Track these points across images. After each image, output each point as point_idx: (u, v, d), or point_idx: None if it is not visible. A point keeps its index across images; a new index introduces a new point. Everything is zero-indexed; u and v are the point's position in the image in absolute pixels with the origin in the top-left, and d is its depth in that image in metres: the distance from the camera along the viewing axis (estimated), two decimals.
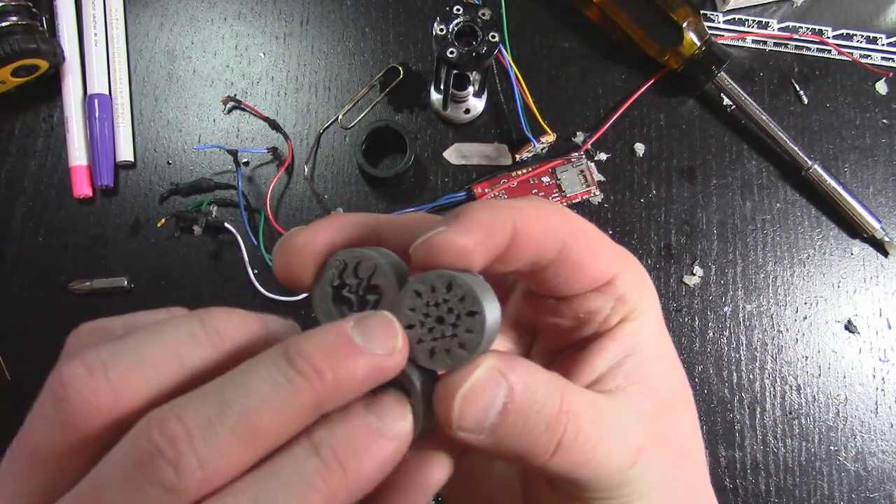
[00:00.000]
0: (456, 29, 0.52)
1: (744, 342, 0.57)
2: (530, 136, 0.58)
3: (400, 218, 0.23)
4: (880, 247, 0.59)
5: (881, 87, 0.61)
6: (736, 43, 0.62)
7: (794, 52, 0.62)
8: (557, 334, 0.25)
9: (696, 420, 0.25)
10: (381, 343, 0.19)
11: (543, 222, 0.21)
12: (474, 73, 0.56)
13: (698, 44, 0.58)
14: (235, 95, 0.60)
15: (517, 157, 0.59)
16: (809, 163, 0.58)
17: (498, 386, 0.19)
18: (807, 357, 0.57)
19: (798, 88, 0.61)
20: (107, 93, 0.59)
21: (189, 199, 0.58)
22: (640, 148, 0.60)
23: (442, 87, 0.56)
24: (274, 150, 0.59)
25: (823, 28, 0.63)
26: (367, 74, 0.61)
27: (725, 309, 0.57)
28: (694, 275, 0.58)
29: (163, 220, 0.56)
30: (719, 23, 0.63)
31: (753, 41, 0.63)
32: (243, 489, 0.18)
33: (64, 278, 0.56)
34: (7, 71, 0.55)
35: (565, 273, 0.22)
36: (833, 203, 0.58)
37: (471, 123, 0.60)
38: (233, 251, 0.57)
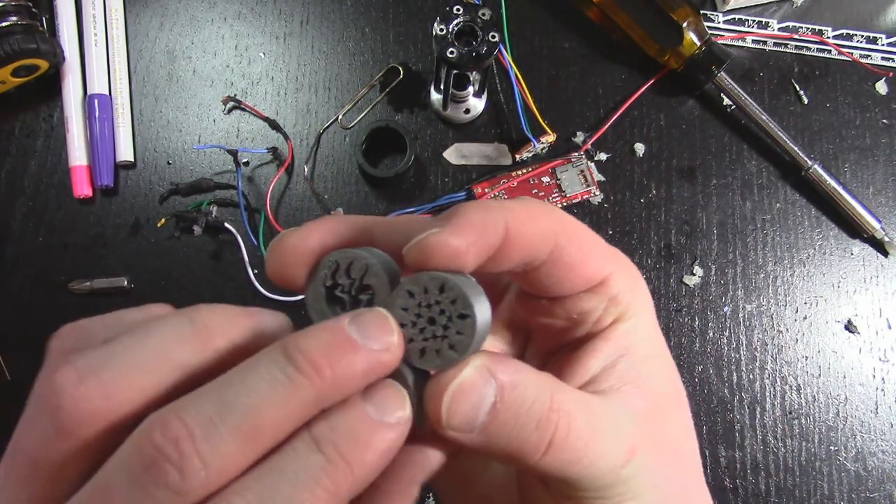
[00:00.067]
0: (456, 29, 0.52)
1: (744, 342, 0.57)
2: (530, 136, 0.58)
3: (393, 219, 0.23)
4: (880, 247, 0.59)
5: (881, 87, 0.61)
6: (736, 43, 0.62)
7: (794, 52, 0.62)
8: (551, 335, 0.25)
9: (690, 420, 0.25)
10: (377, 339, 0.19)
11: (536, 223, 0.21)
12: (474, 73, 0.56)
13: (698, 44, 0.58)
14: (235, 95, 0.60)
15: (517, 157, 0.59)
16: (809, 163, 0.58)
17: (487, 384, 0.19)
18: (807, 357, 0.57)
19: (798, 88, 0.61)
20: (107, 93, 0.59)
21: (189, 199, 0.58)
22: (640, 148, 0.60)
23: (442, 87, 0.56)
24: (274, 150, 0.59)
25: (823, 28, 0.63)
26: (367, 74, 0.61)
27: (725, 309, 0.57)
28: (694, 275, 0.58)
29: (163, 220, 0.56)
30: (719, 23, 0.63)
31: (753, 41, 0.63)
32: (249, 488, 0.18)
33: (64, 278, 0.56)
34: (7, 71, 0.55)
35: (558, 273, 0.22)
36: (833, 203, 0.58)
37: (471, 123, 0.60)
38: (233, 251, 0.57)
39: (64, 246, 0.57)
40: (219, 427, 0.17)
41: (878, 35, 0.63)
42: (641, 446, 0.21)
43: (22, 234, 0.57)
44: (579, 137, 0.60)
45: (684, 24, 0.58)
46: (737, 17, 0.63)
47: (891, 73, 0.61)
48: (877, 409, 0.56)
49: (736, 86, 0.59)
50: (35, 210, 0.57)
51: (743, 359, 0.56)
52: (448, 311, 0.20)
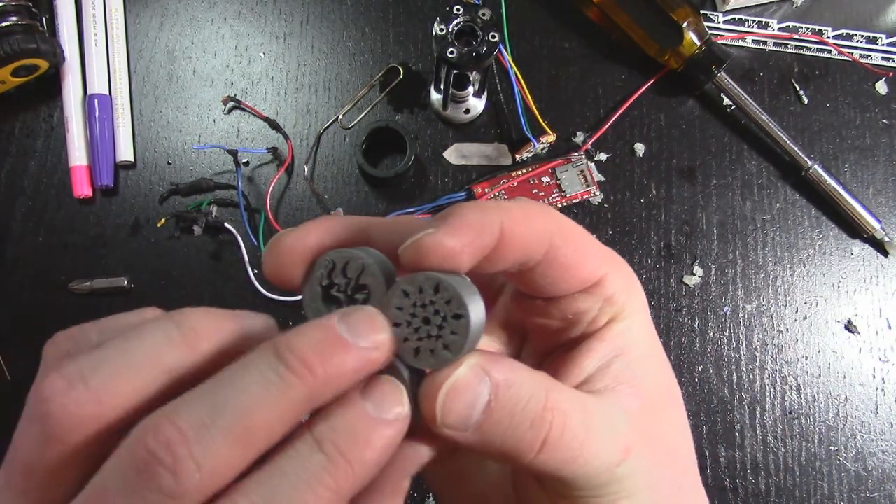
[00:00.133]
0: (456, 29, 0.52)
1: (744, 342, 0.57)
2: (530, 136, 0.58)
3: (389, 220, 0.23)
4: (880, 247, 0.59)
5: (881, 87, 0.61)
6: (736, 43, 0.62)
7: (794, 52, 0.62)
8: (546, 335, 0.26)
9: (685, 420, 0.25)
10: (366, 337, 0.19)
11: (531, 223, 0.21)
12: (474, 73, 0.56)
13: (698, 44, 0.58)
14: (235, 95, 0.60)
15: (517, 157, 0.59)
16: (809, 163, 0.58)
17: (481, 383, 0.20)
18: (807, 357, 0.57)
19: (798, 88, 0.61)
20: (107, 93, 0.59)
21: (189, 199, 0.58)
22: (640, 148, 0.60)
23: (442, 87, 0.56)
24: (274, 150, 0.59)
25: (823, 28, 0.63)
26: (367, 74, 0.61)
27: (725, 309, 0.57)
28: (694, 275, 0.58)
29: (163, 220, 0.56)
30: (719, 23, 0.63)
31: (753, 41, 0.63)
32: (252, 490, 0.18)
33: (64, 278, 0.56)
34: (7, 71, 0.55)
35: (553, 274, 0.22)
36: (833, 203, 0.58)
37: (471, 123, 0.60)
38: (233, 251, 0.57)
39: (64, 246, 0.57)
40: (211, 429, 0.17)
41: (878, 35, 0.63)
42: (636, 445, 0.22)
43: (22, 234, 0.57)
44: (579, 137, 0.60)
45: (684, 24, 0.58)
46: (737, 17, 0.63)
47: (891, 73, 0.61)
48: (877, 409, 0.56)
49: (736, 86, 0.59)
50: (35, 210, 0.57)
51: (743, 359, 0.56)
52: (443, 311, 0.20)
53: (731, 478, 0.54)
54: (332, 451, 0.18)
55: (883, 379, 0.57)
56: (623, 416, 0.22)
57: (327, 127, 0.60)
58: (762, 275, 0.58)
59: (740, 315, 0.57)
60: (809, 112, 0.61)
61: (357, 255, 0.21)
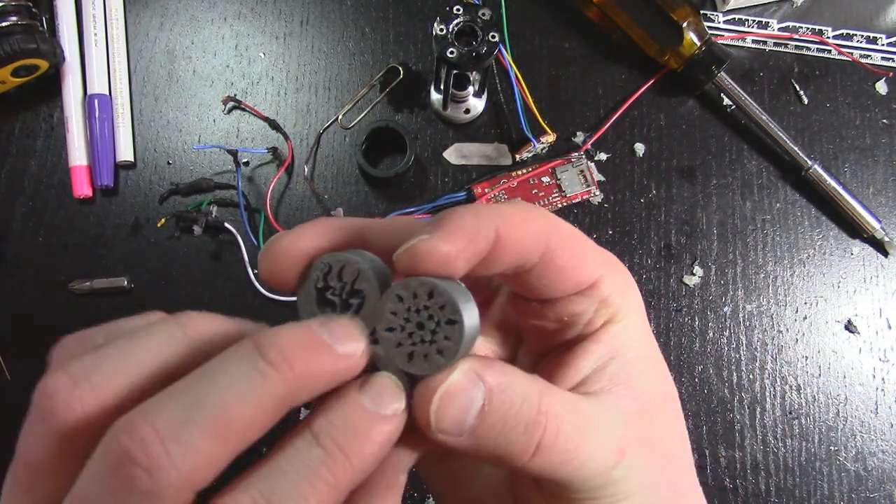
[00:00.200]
0: (456, 29, 0.52)
1: (744, 342, 0.57)
2: (530, 136, 0.58)
3: (385, 222, 0.23)
4: (880, 247, 0.59)
5: (881, 87, 0.61)
6: (736, 43, 0.62)
7: (794, 52, 0.62)
8: (542, 337, 0.26)
9: (682, 421, 0.25)
10: (344, 344, 0.19)
11: (527, 226, 0.21)
12: (474, 73, 0.56)
13: (698, 44, 0.58)
14: (235, 95, 0.60)
15: (517, 157, 0.59)
16: (809, 163, 0.58)
17: (475, 388, 0.20)
18: (807, 357, 0.57)
19: (798, 88, 0.61)
20: (107, 93, 0.59)
21: (189, 199, 0.58)
22: (640, 148, 0.60)
23: (442, 87, 0.56)
24: (274, 150, 0.59)
25: (823, 28, 0.63)
26: (367, 74, 0.61)
27: (725, 309, 0.57)
28: (694, 275, 0.58)
29: (163, 220, 0.56)
30: (719, 23, 0.63)
31: (753, 41, 0.63)
32: (251, 485, 0.18)
33: (64, 278, 0.56)
34: (7, 71, 0.55)
35: (549, 276, 0.22)
36: (833, 203, 0.58)
37: (471, 123, 0.60)
38: (233, 251, 0.57)
39: (64, 246, 0.57)
40: (188, 425, 0.17)
41: (878, 35, 0.63)
42: (632, 447, 0.22)
43: (22, 234, 0.57)
44: (579, 137, 0.60)
45: (684, 24, 0.58)
46: (737, 17, 0.63)
47: (891, 73, 0.61)
48: (877, 409, 0.56)
49: (736, 86, 0.59)
50: (35, 210, 0.57)
51: (743, 359, 0.56)
52: (436, 317, 0.20)
53: (731, 478, 0.54)
54: (330, 446, 0.18)
55: (883, 379, 0.57)
56: (618, 417, 0.22)
57: (327, 127, 0.60)
58: (762, 275, 0.58)
59: (740, 315, 0.57)
60: (809, 112, 0.61)
61: (352, 259, 0.21)
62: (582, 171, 0.59)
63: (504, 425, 0.20)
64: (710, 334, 0.57)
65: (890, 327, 0.57)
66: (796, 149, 0.58)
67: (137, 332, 0.20)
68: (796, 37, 0.62)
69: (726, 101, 0.60)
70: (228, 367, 0.18)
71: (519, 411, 0.20)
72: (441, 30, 0.52)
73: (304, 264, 0.21)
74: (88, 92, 0.59)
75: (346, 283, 0.21)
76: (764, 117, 0.58)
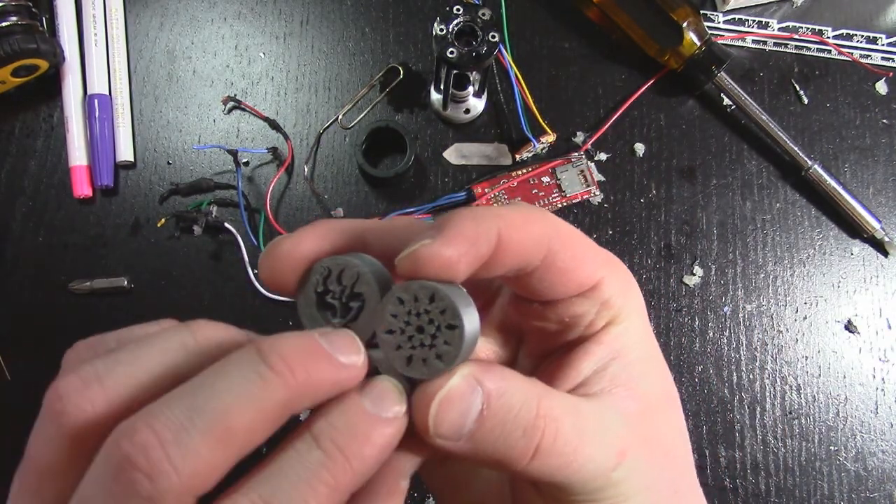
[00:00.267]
0: (456, 29, 0.52)
1: (744, 342, 0.57)
2: (530, 136, 0.58)
3: (385, 224, 0.23)
4: (880, 247, 0.59)
5: (881, 87, 0.61)
6: (736, 43, 0.62)
7: (794, 52, 0.62)
8: (543, 338, 0.25)
9: (683, 421, 0.25)
10: (345, 355, 0.19)
11: (528, 229, 0.21)
12: (474, 73, 0.56)
13: (698, 44, 0.58)
14: (235, 95, 0.60)
15: (517, 157, 0.59)
16: (809, 163, 0.58)
17: (473, 393, 0.20)
18: (807, 357, 0.57)
19: (798, 88, 0.61)
20: (107, 93, 0.59)
21: (189, 199, 0.58)
22: (640, 148, 0.60)
23: (442, 87, 0.56)
24: (274, 150, 0.59)
25: (823, 28, 0.63)
26: (367, 74, 0.61)
27: (725, 309, 0.57)
28: (694, 275, 0.58)
29: (163, 220, 0.56)
30: (719, 23, 0.63)
31: (753, 41, 0.63)
32: (251, 489, 0.18)
33: (64, 278, 0.56)
34: (7, 71, 0.55)
35: (550, 278, 0.22)
36: (833, 203, 0.58)
37: (471, 123, 0.60)
38: (233, 251, 0.57)
39: (64, 246, 0.57)
40: (189, 430, 0.17)
41: (878, 35, 0.63)
42: (632, 448, 0.22)
43: (22, 234, 0.57)
44: (579, 137, 0.60)
45: (684, 24, 0.58)
46: (737, 17, 0.63)
47: (891, 73, 0.61)
48: (877, 409, 0.56)
49: (736, 86, 0.59)
50: (35, 210, 0.57)
51: (743, 359, 0.56)
52: (437, 321, 0.20)
53: (731, 478, 0.54)
54: (330, 448, 0.18)
55: (883, 379, 0.57)
56: (618, 419, 0.22)
57: (327, 127, 0.60)
58: (762, 275, 0.58)
59: (740, 315, 0.57)
60: (809, 112, 0.61)
61: (352, 263, 0.21)
62: (582, 171, 0.59)
63: (502, 430, 0.20)
64: (710, 334, 0.57)
65: (890, 327, 0.57)
66: (796, 149, 0.58)
67: (148, 338, 0.20)
68: (796, 37, 0.62)
69: (726, 101, 0.60)
70: (230, 371, 0.18)
71: (517, 415, 0.20)
72: (441, 30, 0.52)
73: (305, 268, 0.21)
74: (88, 92, 0.59)
75: (345, 287, 0.21)
76: (764, 117, 0.58)
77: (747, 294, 0.58)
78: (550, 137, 0.59)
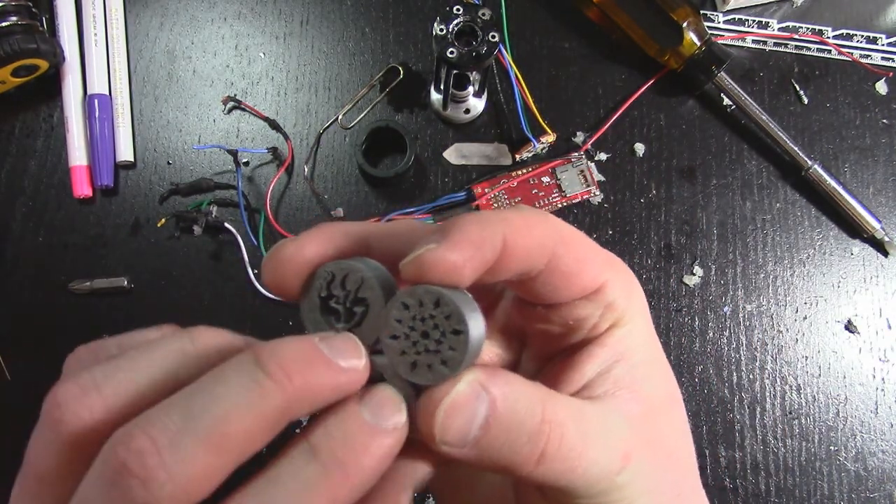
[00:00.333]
0: (456, 29, 0.52)
1: (744, 342, 0.57)
2: (530, 136, 0.58)
3: (389, 227, 0.23)
4: (880, 247, 0.59)
5: (881, 87, 0.61)
6: (736, 43, 0.62)
7: (794, 52, 0.62)
8: (547, 341, 0.25)
9: (686, 423, 0.25)
10: (345, 359, 0.19)
11: (533, 233, 0.21)
12: (474, 73, 0.56)
13: (698, 44, 0.58)
14: (235, 95, 0.60)
15: (517, 157, 0.59)
16: (809, 163, 0.58)
17: (479, 399, 0.19)
18: (807, 357, 0.57)
19: (798, 88, 0.61)
20: (107, 93, 0.59)
21: (189, 199, 0.58)
22: (640, 148, 0.60)
23: (442, 87, 0.56)
24: (274, 150, 0.59)
25: (823, 28, 0.63)
26: (367, 74, 0.61)
27: (725, 309, 0.57)
28: (694, 275, 0.58)
29: (163, 220, 0.56)
30: (719, 23, 0.63)
31: (753, 41, 0.63)
32: (246, 499, 0.18)
33: (64, 278, 0.56)
34: (7, 71, 0.55)
35: (555, 282, 0.22)
36: (833, 203, 0.58)
37: (471, 123, 0.60)
38: (233, 251, 0.57)
39: (64, 246, 0.57)
40: (185, 437, 0.17)
41: (878, 35, 0.63)
42: (636, 451, 0.21)
43: (22, 234, 0.57)
44: (579, 137, 0.60)
45: (684, 24, 0.58)
46: (737, 17, 0.63)
47: (891, 73, 0.61)
48: (877, 409, 0.56)
49: (736, 86, 0.59)
50: (35, 210, 0.57)
51: (743, 359, 0.56)
52: (442, 326, 0.20)
53: (731, 478, 0.54)
54: (327, 459, 0.18)
55: (883, 379, 0.57)
56: (622, 422, 0.22)
57: (327, 127, 0.60)
58: (762, 275, 0.58)
59: (740, 315, 0.57)
60: (809, 112, 0.61)
61: (356, 268, 0.21)
62: (582, 171, 0.59)
63: (508, 436, 0.19)
64: (710, 334, 0.57)
65: (890, 327, 0.57)
66: (796, 149, 0.58)
67: (148, 344, 0.20)
68: (796, 37, 0.62)
69: (726, 101, 0.60)
70: (228, 377, 0.18)
71: (522, 421, 0.20)
72: (441, 30, 0.51)
73: (308, 273, 0.21)
74: (88, 92, 0.59)
75: (349, 292, 0.21)
76: (764, 117, 0.58)
77: (747, 294, 0.58)
78: (550, 137, 0.59)
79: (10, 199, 0.57)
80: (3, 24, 0.54)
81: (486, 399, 0.19)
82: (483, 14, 0.52)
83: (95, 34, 0.60)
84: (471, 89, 0.57)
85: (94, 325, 0.55)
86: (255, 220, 0.57)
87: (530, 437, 0.20)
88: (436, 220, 0.58)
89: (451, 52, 0.51)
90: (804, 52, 0.62)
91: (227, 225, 0.56)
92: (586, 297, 0.23)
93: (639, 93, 0.60)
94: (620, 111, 0.60)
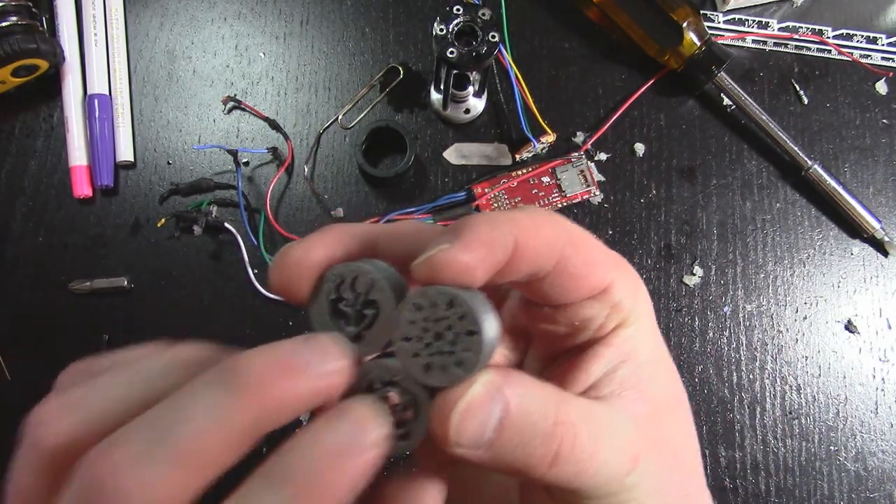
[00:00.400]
0: (456, 29, 0.52)
1: (744, 342, 0.57)
2: (530, 136, 0.58)
3: (396, 228, 0.23)
4: (880, 247, 0.59)
5: (881, 87, 0.61)
6: (736, 43, 0.62)
7: (794, 52, 0.62)
8: (552, 341, 0.25)
9: (692, 423, 0.25)
10: (322, 363, 0.18)
11: (542, 234, 0.21)
12: (474, 73, 0.55)
13: (698, 44, 0.58)
14: (235, 95, 0.60)
15: (517, 157, 0.59)
16: (809, 163, 0.58)
17: (494, 402, 0.19)
18: (807, 357, 0.57)
19: (798, 88, 0.61)
20: (107, 93, 0.59)
21: (189, 199, 0.58)
22: (640, 148, 0.60)
23: (442, 87, 0.56)
24: (274, 150, 0.59)
25: (823, 28, 0.63)
26: (367, 74, 0.61)
27: (725, 309, 0.57)
28: (694, 275, 0.58)
29: (163, 220, 0.56)
30: (719, 23, 0.63)
31: (753, 41, 0.63)
32: None
33: (64, 278, 0.56)
34: (7, 71, 0.55)
35: (563, 283, 0.22)
36: (833, 203, 0.58)
37: (471, 123, 0.60)
38: (233, 251, 0.57)
39: (64, 246, 0.57)
40: (155, 455, 0.17)
41: (878, 35, 0.63)
42: (644, 452, 0.21)
43: (22, 234, 0.57)
44: (579, 137, 0.60)
45: (684, 24, 0.58)
46: (737, 17, 0.63)
47: (891, 73, 0.61)
48: (877, 409, 0.56)
49: (736, 86, 0.59)
50: (35, 210, 0.57)
51: (743, 359, 0.56)
52: (455, 327, 0.19)
53: (731, 478, 0.54)
54: (289, 488, 0.17)
55: (883, 379, 0.57)
56: (630, 422, 0.22)
57: (327, 127, 0.60)
58: (762, 275, 0.58)
59: (740, 315, 0.57)
60: (809, 112, 0.61)
61: (366, 270, 0.20)
62: (582, 171, 0.59)
63: (522, 438, 0.19)
64: (710, 334, 0.57)
65: (890, 327, 0.57)
66: (796, 149, 0.58)
67: (131, 362, 0.20)
68: (796, 37, 0.62)
69: (726, 101, 0.60)
70: (197, 392, 0.17)
71: (536, 423, 0.19)
72: (441, 30, 0.51)
73: (317, 276, 0.21)
74: (88, 92, 0.59)
75: (359, 294, 0.20)
76: (764, 117, 0.58)
77: (747, 294, 0.58)
78: (550, 137, 0.59)
79: (10, 199, 0.57)
80: (3, 24, 0.54)
81: (501, 401, 0.19)
82: (483, 14, 0.52)
83: (95, 34, 0.60)
84: (471, 89, 0.57)
85: (94, 325, 0.55)
86: (255, 220, 0.57)
87: (544, 438, 0.19)
88: (436, 220, 0.58)
89: (451, 52, 0.51)
90: (804, 52, 0.62)
91: (227, 225, 0.56)
92: (593, 298, 0.23)
93: (639, 93, 0.60)
94: (620, 111, 0.60)
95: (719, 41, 0.61)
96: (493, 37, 0.52)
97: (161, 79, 0.60)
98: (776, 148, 0.60)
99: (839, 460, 0.55)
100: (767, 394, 0.56)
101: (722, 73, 0.58)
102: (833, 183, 0.58)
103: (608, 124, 0.60)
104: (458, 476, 0.26)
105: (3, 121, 0.59)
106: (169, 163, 0.59)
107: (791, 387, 0.56)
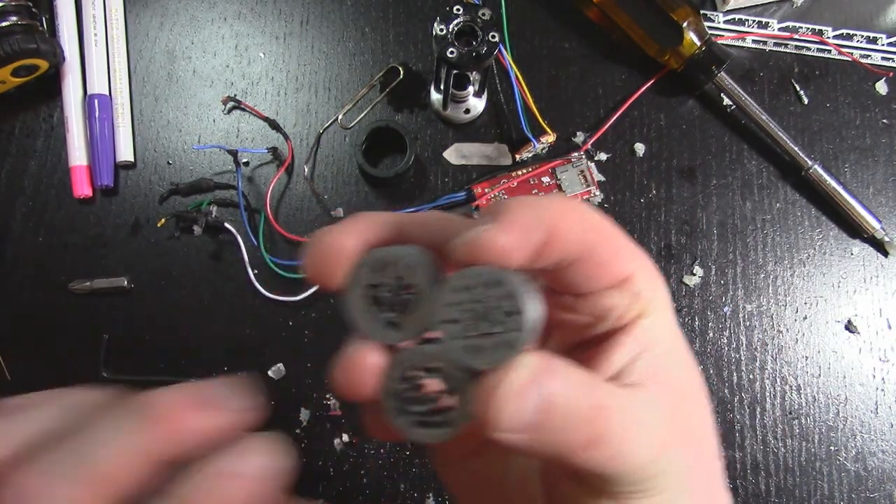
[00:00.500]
0: (456, 29, 0.52)
1: (744, 342, 0.57)
2: (530, 136, 0.58)
3: (424, 217, 0.23)
4: (880, 247, 0.59)
5: (881, 87, 0.61)
6: (736, 43, 0.62)
7: (794, 52, 0.62)
8: (573, 330, 0.25)
9: (710, 412, 0.25)
10: (229, 402, 0.20)
11: (574, 221, 0.21)
12: (474, 73, 0.56)
13: (698, 44, 0.58)
14: (235, 95, 0.60)
15: (517, 157, 0.59)
16: (809, 163, 0.58)
17: (537, 385, 0.19)
18: (807, 357, 0.57)
19: (798, 88, 0.61)
20: (107, 93, 0.59)
21: (189, 199, 0.58)
22: (640, 148, 0.60)
23: (442, 87, 0.56)
24: (274, 150, 0.59)
25: (823, 28, 0.63)
26: (367, 74, 0.61)
27: (725, 309, 0.57)
28: (694, 275, 0.58)
29: (163, 220, 0.56)
30: (719, 23, 0.63)
31: (753, 41, 0.63)
32: None
33: (64, 278, 0.56)
34: (7, 71, 0.55)
35: (587, 271, 0.22)
36: (833, 203, 0.58)
37: (471, 123, 0.60)
38: (233, 251, 0.57)
39: (64, 246, 0.57)
40: (66, 478, 0.18)
41: (878, 35, 0.63)
42: (670, 440, 0.22)
43: (22, 234, 0.57)
44: (579, 137, 0.60)
45: (684, 24, 0.58)
46: (737, 17, 0.63)
47: (891, 73, 0.61)
48: (877, 409, 0.56)
49: (736, 86, 0.59)
50: (35, 210, 0.57)
51: (743, 359, 0.56)
52: (499, 308, 0.19)
53: (731, 478, 0.54)
54: (177, 498, 0.19)
55: (883, 379, 0.57)
56: (656, 411, 0.22)
57: (327, 127, 0.60)
58: (762, 275, 0.58)
59: (740, 315, 0.57)
60: (809, 112, 0.61)
61: (402, 254, 0.20)
62: (582, 171, 0.59)
63: (563, 421, 0.19)
64: (710, 334, 0.57)
65: (890, 327, 0.57)
66: (796, 149, 0.58)
67: (47, 399, 0.21)
68: (796, 37, 0.62)
69: (726, 101, 0.60)
70: (106, 421, 0.19)
71: (577, 406, 0.19)
72: (441, 30, 0.51)
73: (352, 261, 0.21)
74: (88, 92, 0.59)
75: (397, 279, 0.20)
76: (764, 117, 0.58)
77: (747, 294, 0.58)
78: (550, 137, 0.59)
79: (10, 199, 0.57)
80: (3, 24, 0.54)
81: (545, 384, 0.19)
82: (483, 14, 0.52)
83: (95, 34, 0.60)
84: (471, 89, 0.57)
85: (94, 326, 0.55)
86: (255, 220, 0.57)
87: (583, 422, 0.19)
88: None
89: (451, 52, 0.51)
90: (804, 52, 0.62)
91: (227, 225, 0.56)
92: (615, 287, 0.23)
93: (639, 93, 0.60)
94: (620, 111, 0.60)
95: (719, 41, 0.61)
96: (493, 37, 0.52)
97: (161, 79, 0.60)
98: (776, 148, 0.60)
99: (839, 460, 0.55)
100: (767, 394, 0.56)
101: (722, 73, 0.58)
102: (833, 183, 0.58)
103: (608, 124, 0.60)
104: (472, 472, 0.26)
105: (3, 121, 0.59)
106: (169, 163, 0.59)
107: (791, 387, 0.56)
